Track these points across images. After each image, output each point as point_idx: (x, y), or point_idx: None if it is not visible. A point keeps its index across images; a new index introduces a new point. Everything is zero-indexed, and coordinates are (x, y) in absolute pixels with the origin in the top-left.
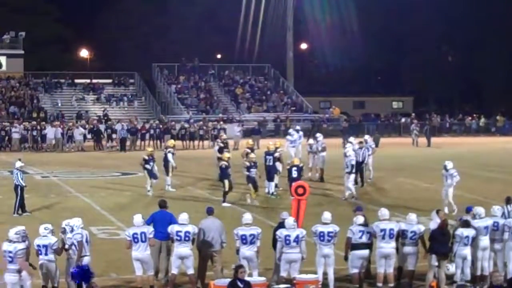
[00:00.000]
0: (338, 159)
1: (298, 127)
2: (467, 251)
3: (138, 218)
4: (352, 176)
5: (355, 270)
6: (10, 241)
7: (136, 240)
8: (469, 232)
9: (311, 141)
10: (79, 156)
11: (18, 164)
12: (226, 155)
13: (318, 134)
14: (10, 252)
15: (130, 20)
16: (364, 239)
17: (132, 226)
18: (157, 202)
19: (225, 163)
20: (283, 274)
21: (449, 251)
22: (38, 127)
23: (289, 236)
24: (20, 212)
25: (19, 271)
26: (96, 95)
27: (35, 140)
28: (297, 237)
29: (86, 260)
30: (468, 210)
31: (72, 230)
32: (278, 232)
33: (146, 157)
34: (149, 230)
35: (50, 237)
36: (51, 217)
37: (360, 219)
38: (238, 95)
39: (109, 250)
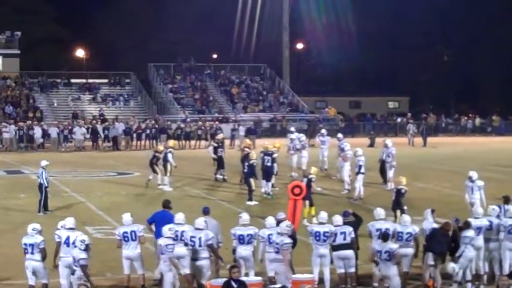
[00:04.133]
0: (334, 159)
1: (323, 131)
2: (473, 252)
3: (127, 217)
4: (360, 176)
5: (340, 270)
6: (279, 233)
7: (126, 239)
8: (472, 233)
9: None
10: (75, 155)
11: (44, 163)
12: (254, 155)
13: (295, 134)
14: (277, 244)
15: (126, 20)
16: (340, 240)
17: (122, 225)
18: (161, 201)
19: (255, 161)
20: (271, 274)
21: (446, 251)
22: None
23: (271, 235)
24: (43, 211)
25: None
26: (92, 95)
27: (31, 140)
28: None
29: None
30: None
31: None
32: (260, 232)
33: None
34: (139, 228)
35: (36, 236)
36: (47, 217)
37: (336, 219)
38: (234, 95)
39: (104, 249)
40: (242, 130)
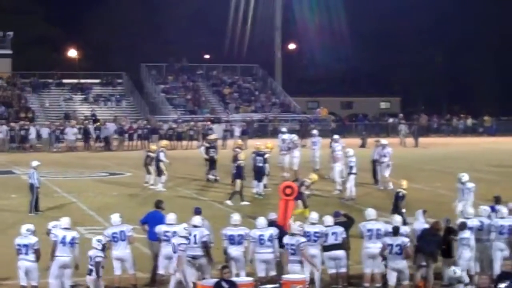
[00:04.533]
0: (325, 160)
1: (315, 131)
2: (470, 254)
3: (115, 218)
4: (352, 176)
5: (331, 271)
6: (292, 234)
7: (115, 239)
8: (468, 234)
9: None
10: (67, 156)
11: (35, 163)
12: (242, 155)
13: (287, 134)
14: (292, 245)
15: (118, 20)
16: (331, 240)
17: (111, 226)
18: (153, 201)
19: (242, 162)
20: (261, 274)
21: (437, 251)
22: (26, 127)
23: (262, 235)
24: (35, 211)
25: (300, 262)
26: (84, 95)
27: (23, 140)
28: (270, 236)
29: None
30: (493, 209)
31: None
32: (251, 233)
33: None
34: (128, 228)
35: (30, 237)
36: (38, 217)
37: (326, 220)
38: (226, 95)
39: None
40: (237, 131)
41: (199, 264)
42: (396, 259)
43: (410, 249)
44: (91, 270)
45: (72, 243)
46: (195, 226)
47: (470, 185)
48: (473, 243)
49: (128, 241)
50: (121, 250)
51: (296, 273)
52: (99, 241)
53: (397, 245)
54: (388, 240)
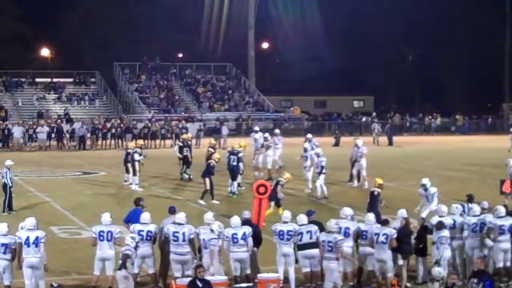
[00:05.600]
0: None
1: (277, 130)
2: (450, 253)
3: (106, 217)
4: (323, 176)
5: (306, 269)
6: (329, 232)
7: (101, 238)
8: (447, 233)
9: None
10: (40, 155)
11: (8, 162)
12: (216, 155)
13: (259, 133)
14: (330, 242)
15: (91, 19)
16: (306, 238)
17: (100, 224)
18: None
19: (213, 161)
20: (236, 273)
21: (412, 249)
22: (4, 126)
23: (236, 234)
24: (8, 211)
25: (337, 259)
26: (57, 94)
27: (6, 139)
28: (244, 234)
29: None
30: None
31: None
32: (224, 232)
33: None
34: (116, 230)
35: (10, 236)
36: (11, 217)
37: (300, 218)
38: (200, 94)
39: (70, 249)
40: (225, 130)
41: (183, 260)
42: (380, 249)
43: (395, 241)
44: (121, 265)
45: (37, 243)
46: (179, 224)
47: (433, 190)
48: (449, 241)
49: (114, 242)
50: (104, 250)
51: (332, 269)
52: (132, 238)
53: (383, 234)
54: (376, 229)
